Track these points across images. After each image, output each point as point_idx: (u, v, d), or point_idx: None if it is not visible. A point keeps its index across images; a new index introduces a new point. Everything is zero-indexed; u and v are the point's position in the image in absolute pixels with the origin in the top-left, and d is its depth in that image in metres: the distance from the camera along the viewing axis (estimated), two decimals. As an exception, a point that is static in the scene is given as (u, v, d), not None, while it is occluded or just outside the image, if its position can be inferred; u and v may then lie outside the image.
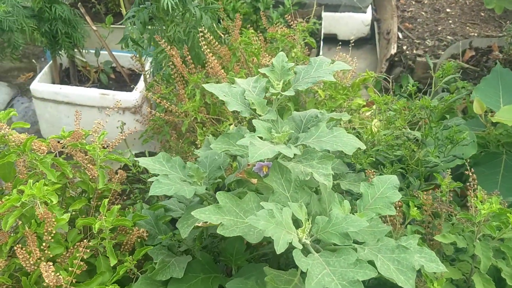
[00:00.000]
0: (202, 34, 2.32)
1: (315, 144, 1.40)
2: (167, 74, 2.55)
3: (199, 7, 2.40)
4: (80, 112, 1.90)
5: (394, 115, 2.08)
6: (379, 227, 1.44)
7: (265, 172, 1.43)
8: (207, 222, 1.32)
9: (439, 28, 4.04)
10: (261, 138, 1.41)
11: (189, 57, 2.39)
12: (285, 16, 3.02)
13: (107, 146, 1.79)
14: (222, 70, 2.30)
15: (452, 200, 1.74)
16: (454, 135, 1.85)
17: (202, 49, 2.30)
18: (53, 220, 1.50)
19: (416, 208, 1.62)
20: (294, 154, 1.36)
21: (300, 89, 1.51)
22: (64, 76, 3.32)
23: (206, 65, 2.36)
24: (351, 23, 4.16)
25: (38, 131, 3.27)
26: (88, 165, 1.75)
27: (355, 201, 1.48)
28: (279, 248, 1.15)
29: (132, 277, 1.63)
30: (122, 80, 3.29)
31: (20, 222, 1.58)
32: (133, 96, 2.94)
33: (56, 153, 1.77)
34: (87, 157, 1.80)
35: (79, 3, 3.06)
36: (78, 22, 2.98)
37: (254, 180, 1.51)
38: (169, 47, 2.34)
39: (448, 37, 3.92)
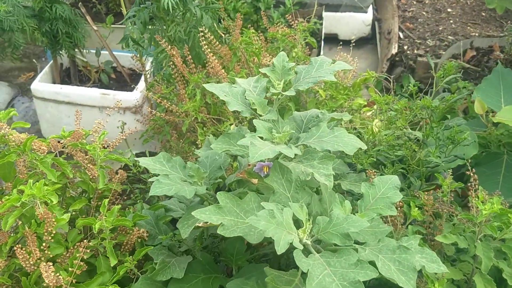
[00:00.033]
0: (202, 34, 2.32)
1: (316, 144, 1.40)
2: (167, 74, 2.55)
3: (200, 6, 2.40)
4: (81, 112, 1.89)
5: (395, 115, 2.07)
6: (380, 228, 1.43)
7: (265, 172, 1.43)
8: (207, 222, 1.32)
9: (440, 28, 4.04)
10: (261, 138, 1.41)
11: (190, 57, 2.38)
12: (286, 16, 3.02)
13: (107, 146, 1.79)
14: (223, 70, 2.30)
15: (453, 201, 1.74)
16: (455, 135, 1.85)
17: (203, 49, 2.29)
18: (53, 220, 1.50)
19: (417, 208, 1.62)
20: (295, 154, 1.36)
21: (301, 89, 1.51)
22: (65, 76, 3.32)
23: (206, 65, 2.35)
24: (352, 23, 4.16)
25: (38, 131, 3.27)
26: (88, 165, 1.75)
27: (356, 201, 1.47)
28: (280, 249, 1.14)
29: (132, 277, 1.63)
30: (123, 80, 3.29)
31: (20, 222, 1.58)
32: (134, 96, 2.94)
33: (56, 153, 1.77)
34: (87, 157, 1.80)
35: (80, 3, 3.06)
36: (78, 22, 2.98)
37: (255, 180, 1.51)
38: (169, 47, 2.33)
39: (449, 37, 3.92)
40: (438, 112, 1.98)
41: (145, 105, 2.95)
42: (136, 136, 2.80)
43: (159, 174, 1.48)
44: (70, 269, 1.49)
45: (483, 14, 4.23)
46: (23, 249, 1.48)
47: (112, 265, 1.55)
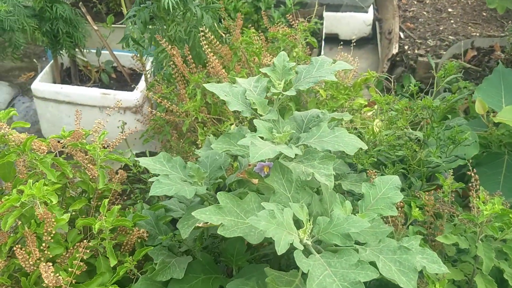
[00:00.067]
0: (203, 33, 2.31)
1: (317, 144, 1.39)
2: (168, 73, 2.55)
3: (200, 6, 2.40)
4: (81, 112, 1.89)
5: (395, 115, 2.07)
6: (380, 228, 1.43)
7: (266, 173, 1.42)
8: (207, 222, 1.32)
9: (441, 28, 4.03)
10: (262, 138, 1.41)
11: (190, 56, 2.38)
12: (287, 15, 3.02)
13: (107, 146, 1.78)
14: (223, 70, 2.30)
15: (454, 201, 1.74)
16: (456, 135, 1.84)
17: (203, 49, 2.29)
18: (53, 220, 1.50)
19: (418, 208, 1.62)
20: (296, 154, 1.35)
21: (301, 89, 1.51)
22: (65, 76, 3.31)
23: (207, 64, 2.35)
24: (352, 23, 4.15)
25: (39, 131, 3.27)
26: (88, 165, 1.75)
27: (357, 201, 1.47)
28: (280, 249, 1.14)
29: (132, 277, 1.62)
30: (123, 79, 3.28)
31: (19, 222, 1.58)
32: (134, 96, 2.94)
33: (56, 153, 1.77)
34: (87, 157, 1.80)
35: (80, 3, 3.05)
36: (79, 21, 2.97)
37: (255, 181, 1.51)
38: (170, 46, 2.33)
39: (450, 37, 3.91)
40: (439, 112, 1.98)
41: (146, 105, 2.95)
42: (136, 136, 2.79)
43: (159, 174, 1.48)
44: (69, 269, 1.49)
45: (484, 14, 4.22)
46: (23, 249, 1.47)
47: (112, 265, 1.55)
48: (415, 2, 4.43)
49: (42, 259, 1.49)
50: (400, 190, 1.45)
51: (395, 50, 3.68)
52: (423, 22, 4.15)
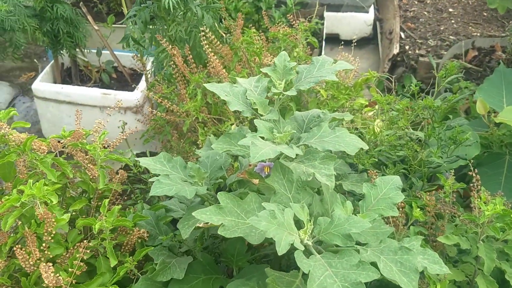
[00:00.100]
0: (203, 33, 2.31)
1: (317, 144, 1.39)
2: (168, 73, 2.54)
3: (201, 6, 2.40)
4: (82, 112, 1.89)
5: (396, 115, 2.07)
6: (381, 228, 1.43)
7: (266, 173, 1.42)
8: (208, 223, 1.32)
9: (442, 28, 4.03)
10: (262, 138, 1.40)
11: (191, 56, 2.38)
12: (287, 15, 3.01)
13: (108, 146, 1.78)
14: (224, 70, 2.29)
15: (455, 201, 1.73)
16: (457, 135, 1.84)
17: (204, 49, 2.29)
18: (53, 220, 1.49)
19: (419, 209, 1.61)
20: (296, 154, 1.35)
21: (302, 89, 1.50)
22: (66, 76, 3.31)
23: (207, 64, 2.35)
24: (353, 23, 4.15)
25: (39, 131, 3.27)
26: (88, 165, 1.75)
27: (358, 202, 1.47)
28: (281, 250, 1.14)
29: (133, 278, 1.62)
30: (124, 79, 3.28)
31: (19, 222, 1.58)
32: (135, 96, 2.93)
33: (56, 153, 1.76)
34: (87, 157, 1.79)
35: (81, 3, 3.05)
36: (80, 21, 2.97)
37: (256, 181, 1.50)
38: (170, 46, 2.33)
39: (451, 37, 3.91)
40: (440, 112, 1.97)
41: (146, 105, 2.94)
42: (136, 136, 2.79)
43: (159, 174, 1.48)
44: (70, 269, 1.48)
45: (485, 14, 4.22)
46: (23, 249, 1.47)
47: (112, 265, 1.55)
48: (416, 2, 4.43)
49: (42, 259, 1.48)
50: (401, 191, 1.45)
51: (396, 50, 3.67)
52: (424, 22, 4.14)
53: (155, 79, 2.61)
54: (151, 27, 2.47)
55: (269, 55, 2.47)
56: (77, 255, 1.51)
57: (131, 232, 1.66)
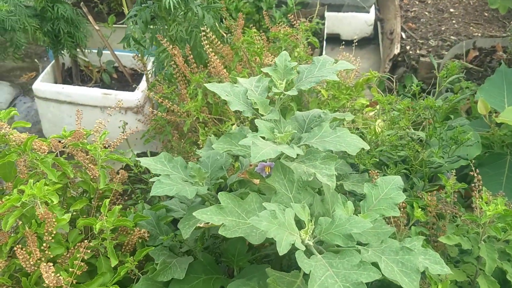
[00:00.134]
0: (204, 33, 2.31)
1: (318, 144, 1.39)
2: (169, 73, 2.54)
3: (202, 6, 2.39)
4: (82, 112, 1.89)
5: (398, 115, 2.06)
6: (383, 229, 1.42)
7: (267, 173, 1.42)
8: (208, 223, 1.31)
9: (443, 28, 4.03)
10: (263, 138, 1.40)
11: (191, 56, 2.38)
12: (288, 15, 3.01)
13: (108, 146, 1.78)
14: (225, 70, 2.29)
15: (457, 201, 1.73)
16: (458, 135, 1.84)
17: (204, 49, 2.28)
18: (54, 220, 1.49)
19: (420, 209, 1.61)
20: (297, 154, 1.35)
21: (303, 89, 1.50)
22: (67, 76, 3.31)
23: (208, 64, 2.35)
24: (354, 23, 4.15)
25: (40, 131, 3.27)
26: (89, 165, 1.75)
27: (359, 202, 1.46)
28: (282, 250, 1.13)
29: (133, 278, 1.62)
30: (124, 79, 3.28)
31: (20, 222, 1.57)
32: (135, 96, 2.93)
33: (57, 153, 1.76)
34: (88, 157, 1.79)
35: (82, 3, 3.05)
36: (80, 21, 2.97)
37: (256, 181, 1.50)
38: (171, 46, 2.33)
39: (452, 37, 3.90)
40: (441, 112, 1.97)
41: (147, 105, 2.94)
42: (137, 136, 2.79)
43: (160, 174, 1.48)
44: (70, 269, 1.48)
45: (486, 14, 4.21)
46: (24, 249, 1.47)
47: (112, 265, 1.54)
48: (417, 2, 4.43)
49: (43, 259, 1.48)
50: (402, 191, 1.45)
51: (396, 50, 3.67)
52: (424, 22, 4.14)
53: (156, 79, 2.61)
54: (151, 27, 2.47)
55: (270, 55, 2.47)
56: (78, 255, 1.51)
57: (131, 232, 1.66)
